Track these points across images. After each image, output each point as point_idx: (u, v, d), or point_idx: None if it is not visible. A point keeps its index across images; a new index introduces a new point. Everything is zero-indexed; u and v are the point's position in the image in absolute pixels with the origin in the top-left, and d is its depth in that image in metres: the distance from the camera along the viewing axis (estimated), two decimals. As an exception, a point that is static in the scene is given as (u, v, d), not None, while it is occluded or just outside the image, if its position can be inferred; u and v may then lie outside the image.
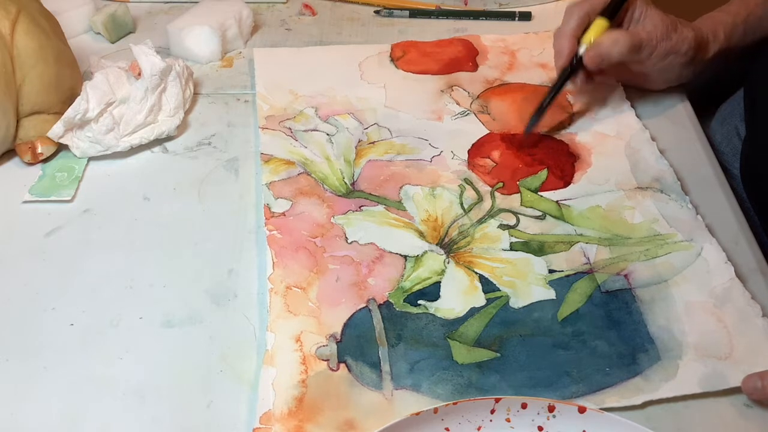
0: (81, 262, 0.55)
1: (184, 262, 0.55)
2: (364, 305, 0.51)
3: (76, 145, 0.63)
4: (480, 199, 0.60)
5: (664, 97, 0.70)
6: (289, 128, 0.66)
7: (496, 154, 0.64)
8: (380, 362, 0.48)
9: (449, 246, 0.56)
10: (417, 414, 0.41)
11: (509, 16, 0.82)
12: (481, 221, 0.58)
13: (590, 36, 0.63)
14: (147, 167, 0.63)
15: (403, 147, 0.64)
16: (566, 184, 0.61)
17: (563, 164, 0.63)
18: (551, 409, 0.43)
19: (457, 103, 0.69)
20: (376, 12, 0.83)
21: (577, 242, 0.56)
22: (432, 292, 0.52)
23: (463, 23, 0.82)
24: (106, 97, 0.62)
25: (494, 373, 0.47)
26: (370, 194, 0.60)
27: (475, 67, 0.74)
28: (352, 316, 0.51)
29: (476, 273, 0.54)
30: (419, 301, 0.52)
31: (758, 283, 0.53)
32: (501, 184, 0.61)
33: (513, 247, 0.56)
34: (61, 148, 0.64)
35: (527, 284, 0.53)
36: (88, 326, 0.51)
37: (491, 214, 0.58)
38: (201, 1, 0.79)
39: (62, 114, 0.61)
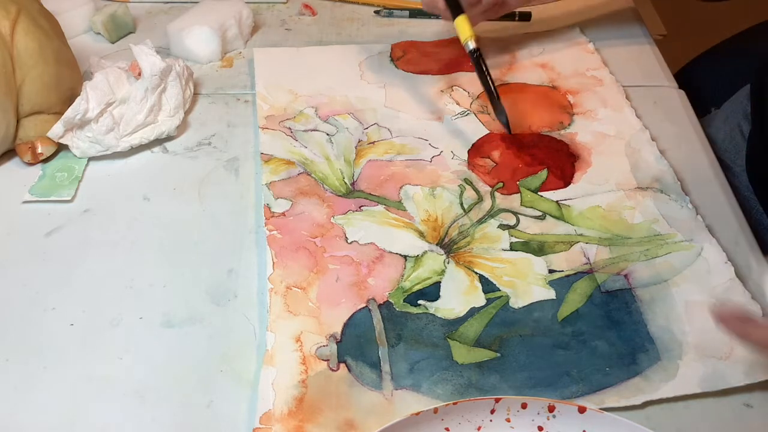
0: (81, 262, 0.55)
1: (184, 262, 0.55)
2: (364, 305, 0.51)
3: (76, 145, 0.63)
4: (480, 199, 0.60)
5: (664, 97, 0.70)
6: (289, 128, 0.66)
7: (496, 154, 0.64)
8: (380, 362, 0.48)
9: (449, 246, 0.56)
10: (417, 414, 0.41)
11: (509, 16, 0.82)
12: (481, 221, 0.58)
13: None
14: (147, 167, 0.63)
15: (403, 147, 0.64)
16: (566, 184, 0.61)
17: (563, 164, 0.63)
18: (551, 409, 0.43)
19: (457, 103, 0.69)
20: (376, 12, 0.83)
21: (577, 242, 0.56)
22: (432, 292, 0.52)
23: (463, 23, 0.82)
24: (106, 97, 0.62)
25: (494, 373, 0.47)
26: (370, 194, 0.60)
27: (475, 67, 0.74)
28: (352, 316, 0.51)
29: (476, 273, 0.54)
30: (419, 301, 0.52)
31: (758, 283, 0.53)
32: (501, 184, 0.61)
33: (513, 247, 0.56)
34: (61, 148, 0.64)
35: (527, 284, 0.53)
36: (88, 326, 0.51)
37: (491, 214, 0.58)
38: (201, 1, 0.79)
39: (62, 114, 0.61)
